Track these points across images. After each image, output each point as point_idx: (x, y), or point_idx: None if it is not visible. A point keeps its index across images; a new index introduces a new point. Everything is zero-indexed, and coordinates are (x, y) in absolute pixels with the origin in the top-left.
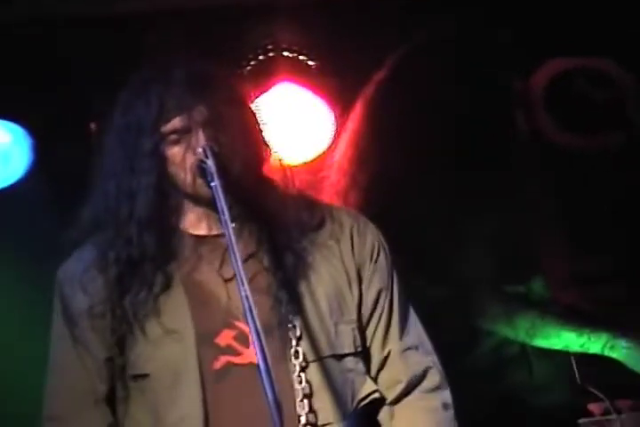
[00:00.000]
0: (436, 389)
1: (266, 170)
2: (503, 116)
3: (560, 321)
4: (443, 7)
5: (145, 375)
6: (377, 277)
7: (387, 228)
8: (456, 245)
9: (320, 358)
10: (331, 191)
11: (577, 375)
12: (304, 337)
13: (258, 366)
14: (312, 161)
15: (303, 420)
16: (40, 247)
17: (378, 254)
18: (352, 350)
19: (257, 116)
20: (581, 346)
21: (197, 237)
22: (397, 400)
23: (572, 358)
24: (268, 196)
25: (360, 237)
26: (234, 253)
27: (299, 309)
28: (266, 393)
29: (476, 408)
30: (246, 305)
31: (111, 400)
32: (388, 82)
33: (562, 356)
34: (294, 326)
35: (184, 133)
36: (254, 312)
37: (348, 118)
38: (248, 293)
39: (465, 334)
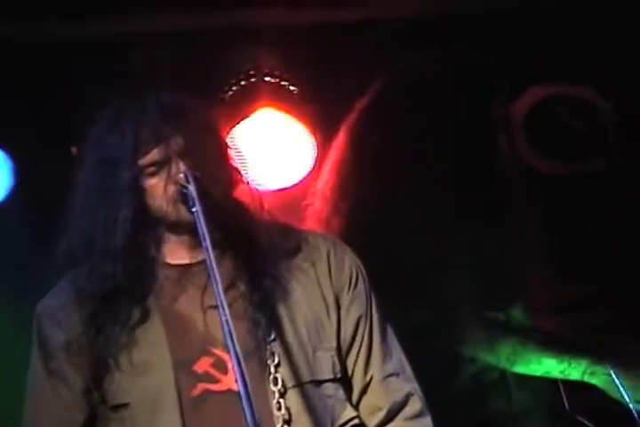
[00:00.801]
0: (418, 416)
1: (238, 196)
2: (486, 143)
3: (540, 347)
4: (425, 34)
5: (124, 405)
6: (356, 304)
7: (368, 253)
8: (438, 270)
9: (299, 384)
10: (314, 218)
11: (565, 402)
12: (283, 363)
13: (236, 392)
14: (293, 187)
15: None
16: (20, 274)
17: (357, 280)
18: (331, 377)
19: (228, 143)
20: (562, 372)
21: (177, 266)
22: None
23: (560, 384)
24: (245, 221)
25: (337, 262)
26: (214, 279)
27: (277, 334)
28: (246, 419)
29: None
30: (226, 329)
31: None
32: (370, 109)
33: (542, 382)
34: (272, 353)
35: (162, 165)
36: (234, 337)
37: (331, 146)
38: (228, 317)
39: (447, 360)
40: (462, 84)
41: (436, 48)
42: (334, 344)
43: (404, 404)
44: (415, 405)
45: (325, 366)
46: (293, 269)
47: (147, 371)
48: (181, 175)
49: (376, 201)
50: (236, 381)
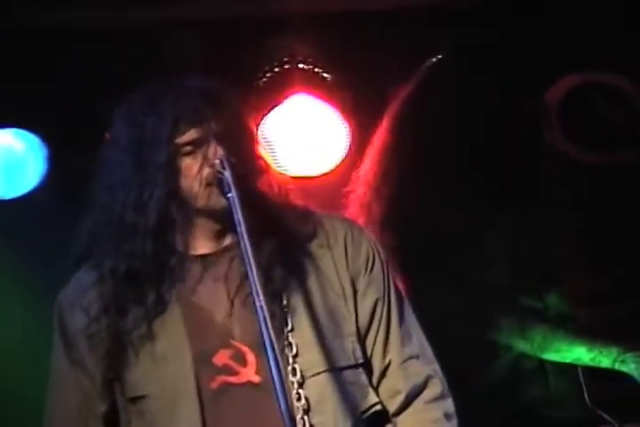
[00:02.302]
0: (438, 399)
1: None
2: (529, 131)
3: (572, 335)
4: (461, 21)
5: (143, 397)
6: (372, 288)
7: (408, 238)
8: (477, 256)
9: (317, 373)
10: (356, 204)
11: (586, 394)
12: (300, 353)
13: (256, 384)
14: (327, 173)
15: None
16: (51, 258)
17: (373, 264)
18: (351, 363)
19: (257, 132)
20: (592, 360)
21: (198, 257)
22: (399, 412)
23: (581, 374)
24: (269, 209)
25: (354, 246)
26: (250, 265)
27: (293, 324)
28: (279, 406)
29: (491, 423)
30: (261, 316)
31: (114, 421)
32: (413, 96)
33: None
34: (290, 344)
35: (199, 146)
36: (269, 324)
37: (365, 132)
38: (263, 303)
39: (484, 346)
40: (496, 72)
41: (468, 35)
42: (353, 329)
43: (423, 387)
44: (435, 388)
45: (344, 352)
46: (310, 255)
47: (165, 363)
48: (217, 161)
49: (417, 187)
50: (257, 373)
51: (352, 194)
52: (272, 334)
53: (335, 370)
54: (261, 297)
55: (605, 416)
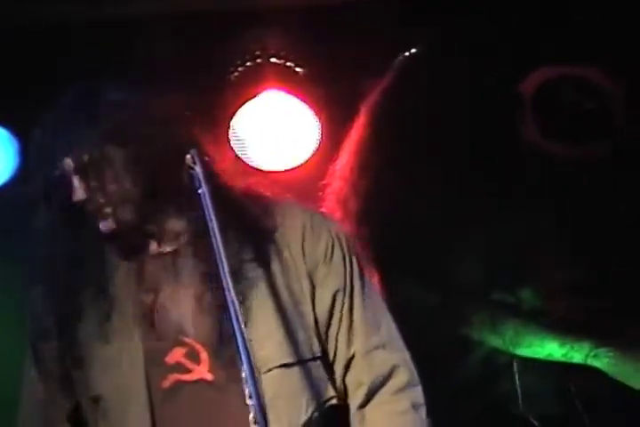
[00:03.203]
0: (404, 388)
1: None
2: (504, 125)
3: (543, 330)
4: (434, 15)
5: (98, 397)
6: (331, 279)
7: (383, 234)
8: (448, 252)
9: (270, 370)
10: (332, 199)
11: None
12: (255, 349)
13: (209, 382)
14: (298, 167)
15: None
16: (22, 252)
17: (332, 254)
18: (307, 357)
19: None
20: (564, 355)
21: (153, 256)
22: (364, 404)
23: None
24: (235, 201)
25: (312, 237)
26: (221, 261)
27: (248, 319)
28: (252, 402)
29: (465, 417)
30: (232, 310)
31: (81, 422)
32: (390, 91)
33: (549, 366)
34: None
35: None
36: (240, 318)
37: (348, 127)
38: (234, 298)
39: (456, 342)
40: (469, 65)
41: (442, 28)
42: (311, 322)
43: (388, 377)
44: (401, 377)
45: (300, 346)
46: (271, 248)
47: (119, 363)
48: (188, 156)
49: (394, 182)
50: (210, 370)
51: (328, 188)
52: (244, 331)
53: (289, 365)
54: (232, 292)
55: (535, 423)
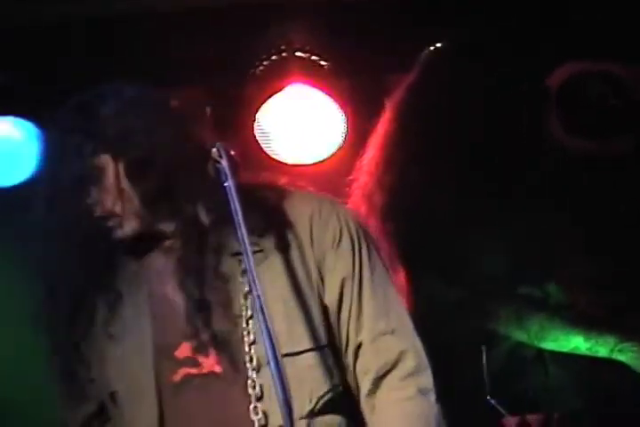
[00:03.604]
0: (411, 374)
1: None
2: (529, 121)
3: (568, 324)
4: (458, 10)
5: (115, 393)
6: (339, 266)
7: (408, 228)
8: (473, 247)
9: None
10: (358, 193)
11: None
12: (258, 340)
13: (218, 374)
14: (323, 162)
15: (256, 424)
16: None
17: (340, 241)
18: (310, 346)
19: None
20: (589, 349)
21: (164, 249)
22: (372, 391)
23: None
24: (251, 192)
25: (320, 226)
26: (247, 254)
27: (252, 311)
28: (277, 394)
29: (489, 411)
30: (257, 305)
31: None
32: (415, 86)
33: (578, 360)
34: (248, 331)
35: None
36: (265, 312)
37: (373, 121)
38: (260, 293)
39: (483, 336)
40: (496, 60)
41: (468, 23)
42: (318, 311)
43: (395, 364)
44: (408, 362)
45: (303, 336)
46: (278, 237)
47: (130, 359)
48: (214, 150)
49: (419, 177)
50: (218, 363)
51: (354, 183)
52: (269, 325)
53: (292, 355)
54: (258, 286)
55: (499, 408)
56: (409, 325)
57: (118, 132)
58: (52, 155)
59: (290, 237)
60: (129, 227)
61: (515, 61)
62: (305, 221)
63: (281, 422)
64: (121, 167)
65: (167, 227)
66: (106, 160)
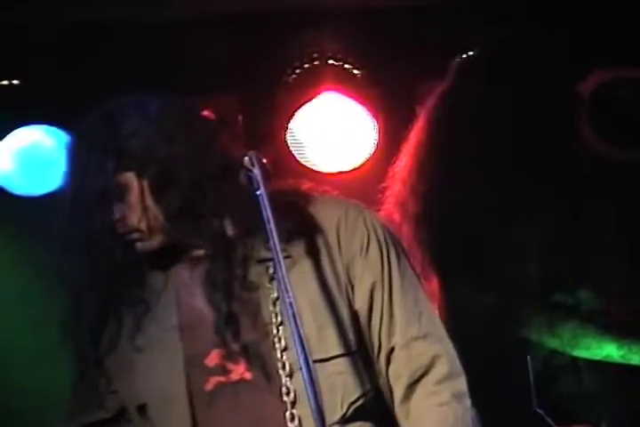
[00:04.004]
0: (445, 379)
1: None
2: (564, 128)
3: (601, 332)
4: (489, 19)
5: (143, 406)
6: (368, 272)
7: (442, 236)
8: (506, 254)
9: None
10: (392, 201)
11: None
12: (289, 346)
13: (248, 381)
14: (355, 170)
15: None
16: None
17: (368, 246)
18: (340, 352)
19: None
20: (622, 357)
21: (190, 258)
22: (406, 397)
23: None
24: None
25: (348, 231)
26: (279, 261)
27: (283, 317)
28: (309, 399)
29: (523, 419)
30: (290, 311)
31: None
32: (448, 94)
33: (612, 368)
34: (280, 338)
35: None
36: (298, 319)
37: (406, 129)
38: (292, 300)
39: (516, 342)
40: (528, 68)
41: (500, 31)
42: (348, 317)
43: (428, 368)
44: (441, 367)
45: (333, 342)
46: (303, 245)
47: (160, 370)
48: (246, 158)
49: (453, 184)
50: (248, 370)
51: (388, 190)
52: (301, 331)
53: (323, 361)
54: (290, 293)
55: (547, 418)
56: (441, 329)
57: (142, 149)
58: (76, 169)
59: (318, 242)
60: (154, 241)
61: (546, 68)
62: (332, 226)
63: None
64: (145, 184)
65: (193, 239)
66: (130, 177)
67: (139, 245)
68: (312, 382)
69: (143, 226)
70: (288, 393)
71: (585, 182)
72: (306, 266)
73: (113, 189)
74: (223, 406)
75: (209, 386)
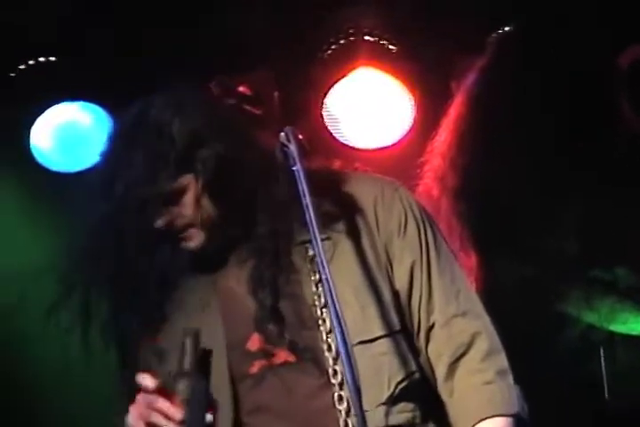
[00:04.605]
0: (487, 357)
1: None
2: (603, 103)
3: (638, 307)
4: None
5: None
6: (407, 250)
7: (481, 209)
8: (546, 229)
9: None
10: (431, 176)
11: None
12: (333, 329)
13: (293, 363)
14: (392, 146)
15: (343, 413)
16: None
17: (406, 225)
18: (384, 333)
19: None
20: None
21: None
22: (449, 376)
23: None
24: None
25: (385, 210)
26: (315, 237)
27: (326, 299)
28: (346, 379)
29: (559, 394)
30: (327, 287)
31: None
32: (488, 68)
33: None
34: (324, 320)
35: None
36: (334, 294)
37: (443, 105)
38: (329, 276)
39: (554, 317)
40: (567, 42)
41: (538, 5)
42: (389, 297)
43: (469, 345)
44: (483, 344)
45: (376, 323)
46: (342, 225)
47: None
48: (282, 134)
49: (492, 159)
50: (291, 352)
51: (426, 165)
52: (339, 308)
53: (365, 342)
54: (327, 269)
55: None
56: (479, 305)
57: (196, 149)
58: (124, 172)
59: (356, 222)
60: (200, 237)
61: (584, 42)
62: (369, 204)
63: (365, 407)
64: (201, 183)
65: (238, 232)
66: (188, 179)
67: (188, 244)
68: (350, 364)
69: (196, 224)
70: (335, 375)
71: (623, 158)
72: (346, 247)
73: (169, 194)
74: (269, 389)
75: (254, 369)
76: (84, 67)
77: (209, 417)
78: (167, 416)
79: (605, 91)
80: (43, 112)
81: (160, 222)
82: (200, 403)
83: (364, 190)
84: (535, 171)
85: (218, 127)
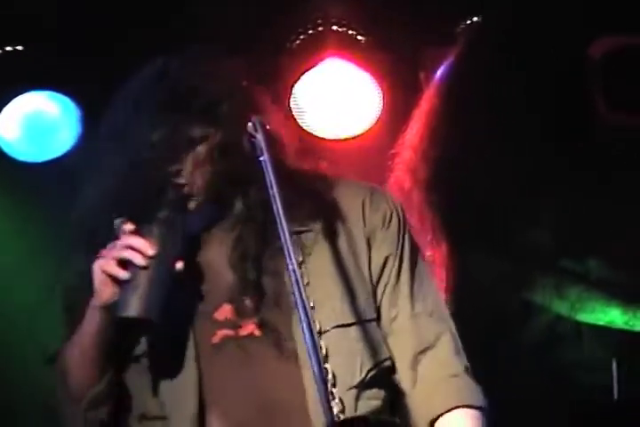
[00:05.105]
0: (454, 354)
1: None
2: (576, 94)
3: (606, 297)
4: None
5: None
6: (386, 243)
7: (453, 201)
8: (517, 219)
9: (327, 330)
10: (402, 168)
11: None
12: (315, 308)
13: (258, 337)
14: (358, 137)
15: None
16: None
17: (390, 221)
18: (365, 318)
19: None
20: (626, 323)
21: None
22: (413, 364)
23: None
24: (298, 175)
25: (372, 208)
26: (282, 226)
27: (309, 280)
28: (311, 365)
29: (525, 383)
30: (293, 278)
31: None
32: (459, 60)
33: (615, 334)
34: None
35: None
36: (301, 286)
37: (417, 96)
38: (295, 266)
39: (521, 307)
40: (538, 32)
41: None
42: (367, 287)
43: (435, 342)
44: (449, 343)
45: (358, 308)
46: (326, 221)
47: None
48: (250, 124)
49: (464, 151)
50: (258, 326)
51: (397, 157)
52: (304, 295)
53: (345, 326)
54: (294, 260)
55: None
56: (446, 311)
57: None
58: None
59: (341, 219)
60: (198, 197)
61: (556, 34)
62: (357, 205)
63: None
64: (216, 141)
65: (232, 202)
66: (208, 132)
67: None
68: (315, 347)
69: (199, 182)
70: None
71: (599, 150)
72: (327, 237)
73: (188, 140)
74: (227, 360)
75: (215, 339)
76: (50, 55)
77: (179, 265)
78: (140, 251)
79: (578, 81)
80: (9, 102)
81: (174, 168)
82: (175, 235)
83: (353, 190)
84: (507, 163)
85: (237, 91)
